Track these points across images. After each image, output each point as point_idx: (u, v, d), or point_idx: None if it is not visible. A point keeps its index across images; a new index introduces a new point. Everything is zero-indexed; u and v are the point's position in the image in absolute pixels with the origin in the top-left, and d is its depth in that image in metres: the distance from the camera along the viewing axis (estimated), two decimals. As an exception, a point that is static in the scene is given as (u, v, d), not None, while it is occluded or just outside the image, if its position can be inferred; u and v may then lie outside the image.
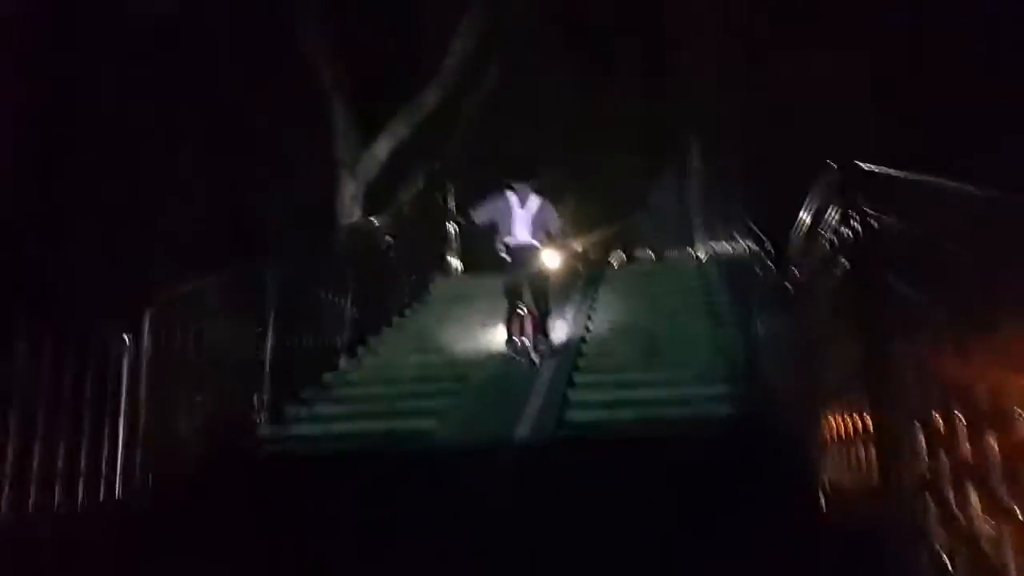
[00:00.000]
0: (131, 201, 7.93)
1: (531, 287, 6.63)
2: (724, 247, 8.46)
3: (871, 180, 2.35)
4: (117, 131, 7.96)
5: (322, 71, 9.68)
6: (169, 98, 8.43)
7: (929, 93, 9.01)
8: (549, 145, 17.13)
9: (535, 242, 6.58)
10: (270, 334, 5.72)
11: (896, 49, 9.88)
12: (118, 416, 4.00)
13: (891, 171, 2.17)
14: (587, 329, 7.42)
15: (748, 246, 6.29)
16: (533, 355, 6.42)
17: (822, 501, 3.36)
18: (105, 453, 3.91)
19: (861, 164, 2.39)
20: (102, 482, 3.88)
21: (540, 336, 6.54)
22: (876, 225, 2.35)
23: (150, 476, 4.16)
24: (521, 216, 6.53)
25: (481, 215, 6.80)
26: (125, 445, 4.02)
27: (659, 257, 15.99)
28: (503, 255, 6.66)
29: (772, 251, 4.90)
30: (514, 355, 6.46)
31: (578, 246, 8.99)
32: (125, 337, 4.05)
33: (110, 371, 4.00)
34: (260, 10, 9.21)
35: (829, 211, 2.77)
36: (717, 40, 13.07)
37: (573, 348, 6.77)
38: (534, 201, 6.60)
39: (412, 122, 10.06)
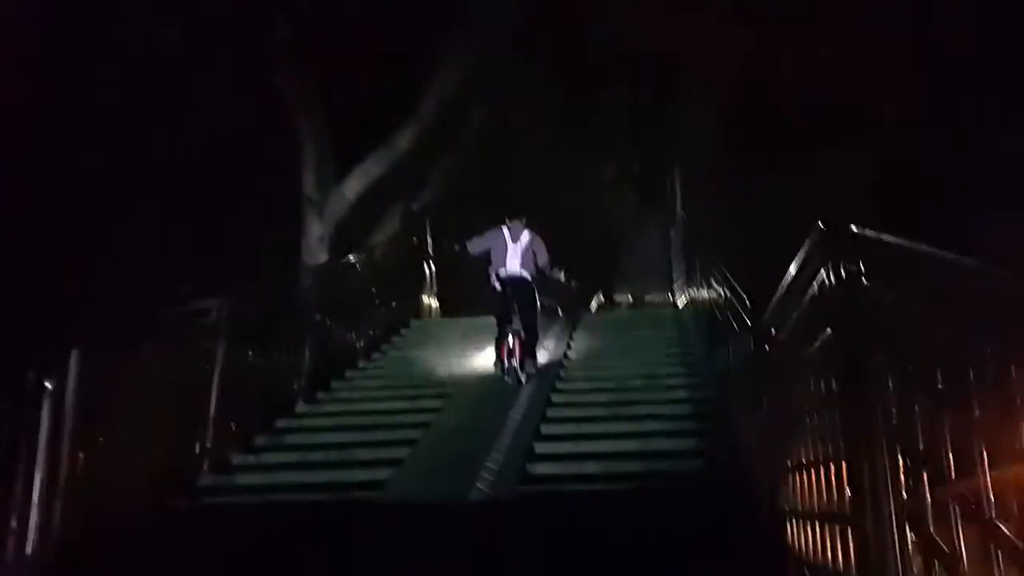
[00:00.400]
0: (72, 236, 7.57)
1: (520, 315, 7.02)
2: (702, 295, 8.25)
3: (857, 242, 2.13)
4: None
5: (293, 106, 9.44)
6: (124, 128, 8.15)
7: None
8: (532, 186, 17.13)
9: (525, 274, 7.06)
10: (216, 377, 5.40)
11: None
12: (33, 467, 3.65)
13: (878, 234, 1.94)
14: (559, 377, 7.14)
15: (726, 297, 6.07)
16: (520, 375, 6.86)
17: (790, 562, 3.12)
18: (17, 507, 3.58)
19: (851, 227, 2.16)
20: (10, 538, 3.53)
21: (527, 359, 6.98)
22: (859, 289, 2.13)
23: (68, 531, 3.81)
24: (513, 249, 7.05)
25: (476, 246, 7.31)
26: (42, 498, 3.68)
27: (638, 301, 15.83)
28: (495, 284, 7.12)
29: (749, 305, 4.67)
30: (503, 375, 6.92)
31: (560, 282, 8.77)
32: (46, 383, 3.70)
33: (28, 418, 3.68)
34: (230, 40, 8.96)
35: (813, 270, 2.53)
36: (705, 95, 13.09)
37: (543, 398, 6.49)
38: (526, 236, 7.14)
39: (385, 161, 9.78)
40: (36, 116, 7.84)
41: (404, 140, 9.87)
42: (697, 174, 13.09)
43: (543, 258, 7.14)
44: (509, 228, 7.11)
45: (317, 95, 9.65)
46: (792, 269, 2.97)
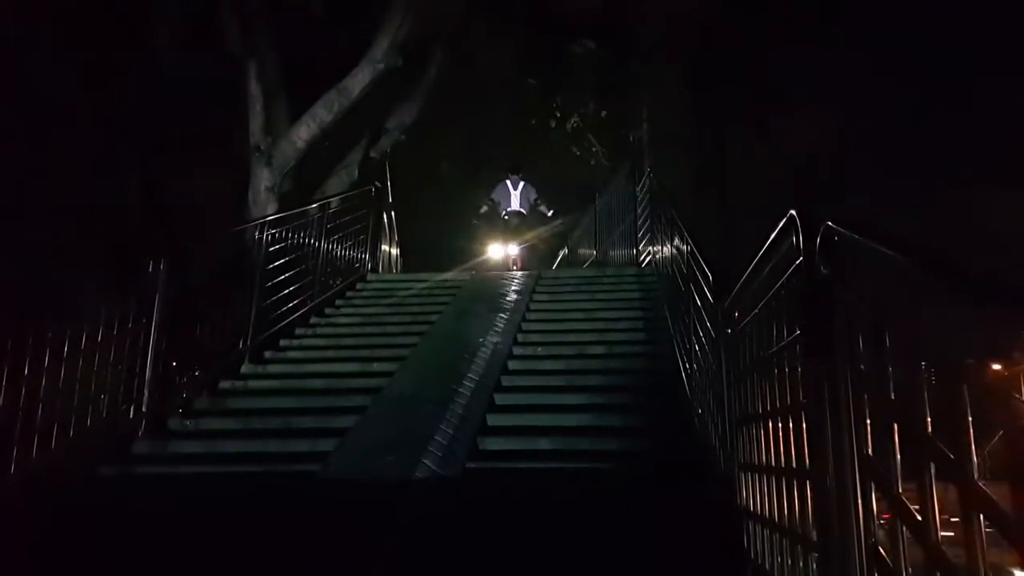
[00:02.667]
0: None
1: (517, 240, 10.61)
2: (665, 254, 8.07)
3: (829, 233, 1.91)
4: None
5: (238, 48, 8.87)
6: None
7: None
8: (498, 136, 16.74)
9: (522, 210, 10.54)
10: (153, 336, 5.10)
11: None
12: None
13: (856, 233, 1.72)
14: (516, 341, 6.94)
15: (687, 262, 5.87)
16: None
17: (745, 545, 3.01)
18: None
19: (828, 223, 1.94)
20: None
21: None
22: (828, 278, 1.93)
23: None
24: (514, 194, 10.54)
25: (496, 194, 10.63)
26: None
27: (602, 257, 15.66)
28: (504, 218, 10.57)
29: (711, 276, 4.47)
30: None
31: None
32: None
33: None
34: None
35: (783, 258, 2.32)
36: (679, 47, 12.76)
37: (500, 362, 6.30)
38: (521, 184, 10.65)
39: (338, 107, 9.27)
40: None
41: (357, 85, 9.36)
42: (664, 127, 12.86)
43: (532, 196, 10.56)
44: (510, 180, 10.51)
45: (264, 36, 9.09)
46: (759, 255, 2.75)
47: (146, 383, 5.06)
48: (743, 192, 11.09)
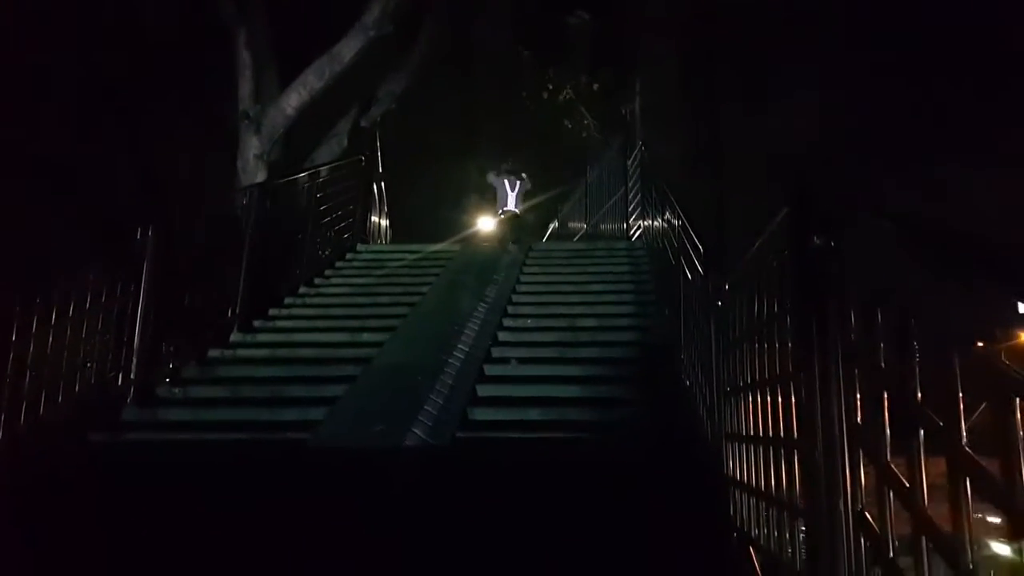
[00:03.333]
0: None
1: (512, 232, 10.41)
2: (656, 227, 8.07)
3: (821, 205, 1.91)
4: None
5: (229, 12, 8.71)
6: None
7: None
8: (490, 108, 16.63)
9: (516, 210, 10.79)
10: (142, 302, 5.07)
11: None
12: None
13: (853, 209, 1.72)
14: (506, 312, 6.95)
15: (678, 235, 5.88)
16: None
17: (732, 513, 3.05)
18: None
19: (820, 194, 1.94)
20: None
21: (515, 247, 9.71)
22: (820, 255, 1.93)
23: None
24: (511, 195, 10.81)
25: (495, 185, 10.98)
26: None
27: (592, 230, 15.65)
28: (500, 215, 10.80)
29: (701, 248, 4.48)
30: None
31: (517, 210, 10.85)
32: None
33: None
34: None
35: (775, 227, 2.32)
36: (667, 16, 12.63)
37: (490, 333, 6.31)
38: (518, 184, 10.88)
39: (328, 74, 9.15)
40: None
41: (348, 52, 9.23)
42: (656, 102, 12.78)
43: (527, 188, 10.99)
44: (508, 180, 10.86)
45: (255, 2, 8.94)
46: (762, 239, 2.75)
47: (134, 351, 5.04)
48: (738, 167, 11.06)
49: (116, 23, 8.21)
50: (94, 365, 4.70)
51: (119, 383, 4.93)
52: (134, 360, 5.02)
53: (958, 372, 1.28)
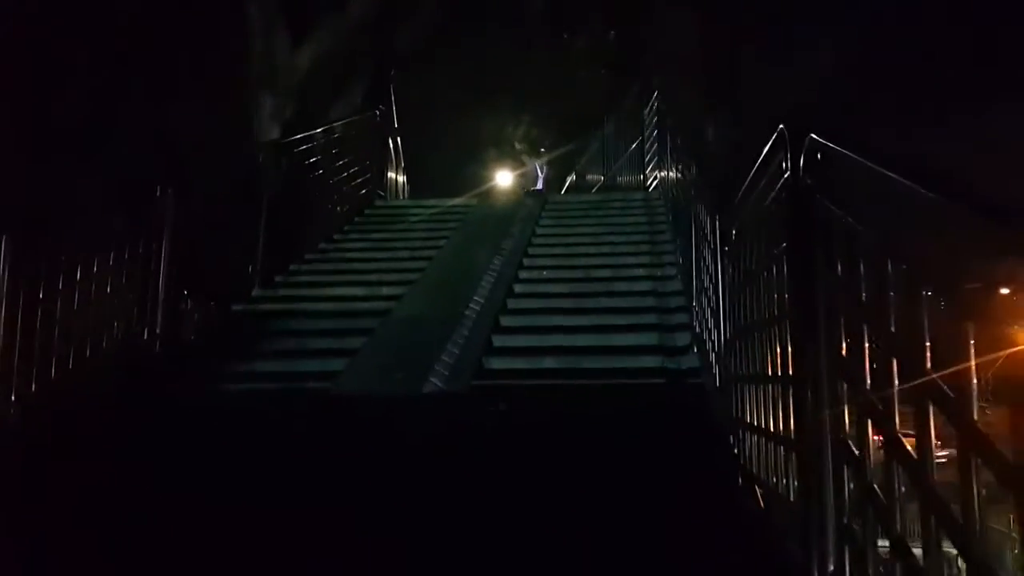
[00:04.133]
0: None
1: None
2: (672, 178, 8.07)
3: (817, 153, 1.97)
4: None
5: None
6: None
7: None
8: (506, 61, 16.48)
9: (542, 189, 12.93)
10: (164, 260, 5.21)
11: None
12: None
13: (843, 150, 1.78)
14: (521, 264, 7.03)
15: (694, 186, 5.90)
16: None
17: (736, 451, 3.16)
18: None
19: (815, 137, 1.99)
20: None
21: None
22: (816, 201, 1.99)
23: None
24: (540, 177, 13.46)
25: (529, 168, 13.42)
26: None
27: (609, 182, 15.60)
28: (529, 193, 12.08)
29: (715, 202, 4.51)
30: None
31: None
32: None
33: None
34: None
35: (772, 175, 2.38)
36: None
37: (505, 284, 6.41)
38: (545, 168, 13.48)
39: (340, 29, 9.12)
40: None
41: (358, 4, 9.18)
42: (673, 48, 12.61)
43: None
44: (538, 165, 13.13)
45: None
46: (753, 171, 2.80)
47: (159, 307, 5.19)
48: (756, 114, 10.92)
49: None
50: (121, 322, 4.86)
51: (145, 337, 5.09)
52: (159, 315, 5.17)
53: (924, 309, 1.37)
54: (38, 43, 7.25)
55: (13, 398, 3.84)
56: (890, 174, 1.60)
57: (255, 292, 6.42)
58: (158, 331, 5.17)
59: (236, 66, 8.88)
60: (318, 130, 8.21)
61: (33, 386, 4.05)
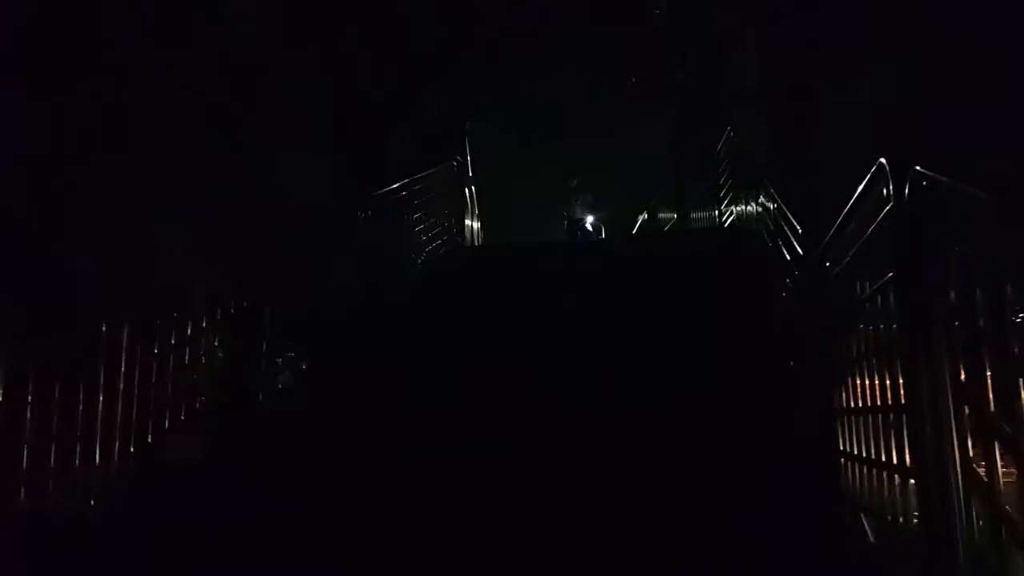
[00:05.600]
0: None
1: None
2: (750, 213, 8.04)
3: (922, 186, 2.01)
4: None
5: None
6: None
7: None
8: (576, 107, 16.74)
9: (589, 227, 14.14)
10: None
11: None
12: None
13: (950, 177, 1.82)
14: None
15: (775, 221, 5.89)
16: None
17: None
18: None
19: (920, 169, 2.03)
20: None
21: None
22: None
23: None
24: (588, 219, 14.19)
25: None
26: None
27: (682, 220, 15.57)
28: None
29: (800, 231, 4.53)
30: None
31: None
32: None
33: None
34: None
35: (873, 207, 2.42)
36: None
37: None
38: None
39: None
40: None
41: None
42: (744, 85, 12.64)
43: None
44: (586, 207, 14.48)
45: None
46: (851, 204, 2.84)
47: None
48: (827, 144, 10.83)
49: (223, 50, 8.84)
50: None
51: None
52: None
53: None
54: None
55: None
56: (1001, 198, 1.64)
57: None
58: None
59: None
60: (400, 183, 8.53)
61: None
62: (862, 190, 2.57)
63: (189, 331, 4.74)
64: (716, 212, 12.04)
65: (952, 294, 1.93)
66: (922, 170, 2.03)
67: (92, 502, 3.75)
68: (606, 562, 3.13)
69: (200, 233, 8.00)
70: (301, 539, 3.47)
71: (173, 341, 4.61)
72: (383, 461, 4.13)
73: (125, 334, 4.13)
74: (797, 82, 11.84)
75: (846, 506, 3.13)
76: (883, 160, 2.28)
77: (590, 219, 15.55)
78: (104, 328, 4.04)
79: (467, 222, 11.63)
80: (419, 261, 8.75)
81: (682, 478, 3.67)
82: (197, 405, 4.78)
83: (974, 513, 1.84)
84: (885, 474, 2.54)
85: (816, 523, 3.21)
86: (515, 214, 16.93)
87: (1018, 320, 1.64)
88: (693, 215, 14.47)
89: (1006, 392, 1.59)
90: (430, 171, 9.54)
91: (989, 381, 1.72)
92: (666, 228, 15.63)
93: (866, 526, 2.86)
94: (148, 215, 7.72)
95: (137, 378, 4.25)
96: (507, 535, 3.30)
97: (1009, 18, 9.24)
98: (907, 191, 2.12)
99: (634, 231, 17.32)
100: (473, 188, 12.17)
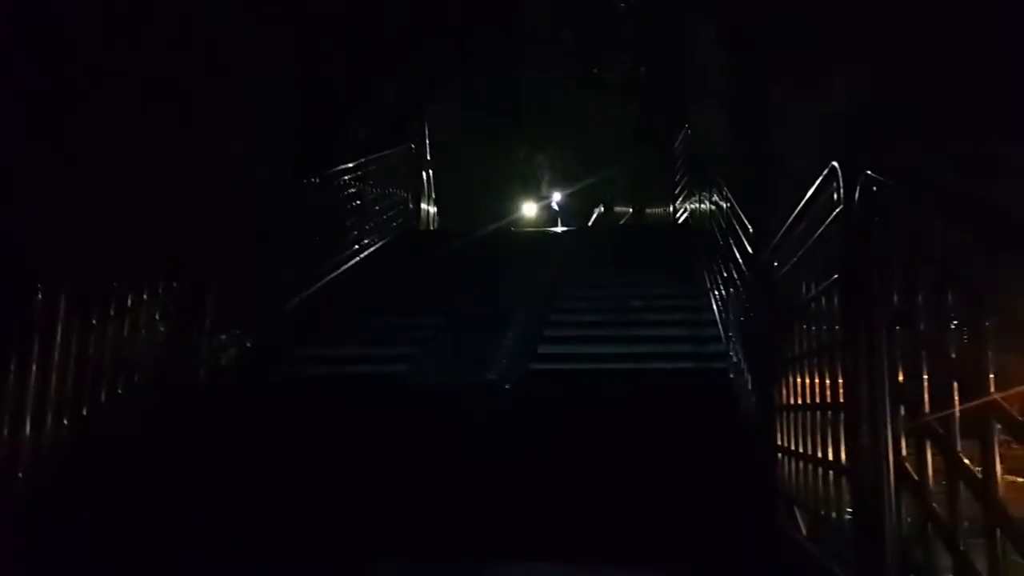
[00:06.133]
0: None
1: None
2: (703, 210, 8.14)
3: (872, 189, 2.05)
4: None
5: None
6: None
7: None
8: (534, 93, 16.73)
9: None
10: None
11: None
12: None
13: (901, 181, 1.86)
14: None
15: (727, 218, 5.97)
16: None
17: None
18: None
19: (870, 173, 2.07)
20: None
21: None
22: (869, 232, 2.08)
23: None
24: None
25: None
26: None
27: (638, 214, 15.72)
28: None
29: (751, 230, 4.60)
30: None
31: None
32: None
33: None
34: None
35: (823, 209, 2.47)
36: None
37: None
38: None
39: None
40: None
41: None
42: (702, 84, 12.77)
43: None
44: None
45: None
46: (801, 205, 2.88)
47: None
48: (784, 146, 11.00)
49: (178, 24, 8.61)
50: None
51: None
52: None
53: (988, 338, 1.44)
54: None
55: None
56: (950, 205, 1.68)
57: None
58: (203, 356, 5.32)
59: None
60: (349, 165, 8.44)
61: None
62: (813, 192, 2.61)
63: (129, 303, 4.62)
64: (671, 208, 12.18)
65: (895, 298, 1.97)
66: (872, 175, 2.07)
67: (21, 474, 3.62)
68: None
69: (144, 205, 7.80)
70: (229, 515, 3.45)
71: (112, 312, 4.48)
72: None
73: (62, 303, 4.00)
74: (756, 82, 12.01)
75: (781, 499, 3.20)
76: (835, 163, 2.31)
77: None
78: (40, 296, 3.91)
79: (423, 206, 11.55)
80: (371, 243, 8.68)
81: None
82: (136, 379, 4.65)
83: (904, 510, 1.89)
84: (821, 470, 2.59)
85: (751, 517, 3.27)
86: (473, 200, 16.88)
87: (955, 325, 1.68)
88: (649, 211, 14.63)
89: (941, 394, 1.64)
90: (385, 152, 9.45)
91: (926, 383, 1.76)
92: (621, 222, 15.76)
93: (800, 520, 2.92)
94: (90, 182, 7.50)
95: (74, 349, 4.12)
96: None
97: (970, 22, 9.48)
98: (857, 195, 2.16)
99: (590, 223, 17.42)
100: (431, 172, 12.10)
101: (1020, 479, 2.33)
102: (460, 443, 3.96)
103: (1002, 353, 1.47)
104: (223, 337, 5.66)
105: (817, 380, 2.66)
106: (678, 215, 11.38)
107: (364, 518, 3.52)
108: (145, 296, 4.73)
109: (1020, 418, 1.31)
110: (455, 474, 3.71)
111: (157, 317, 4.85)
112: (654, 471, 3.69)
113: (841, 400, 2.31)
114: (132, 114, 8.20)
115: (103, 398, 4.32)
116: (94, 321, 4.27)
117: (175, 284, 5.00)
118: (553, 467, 3.69)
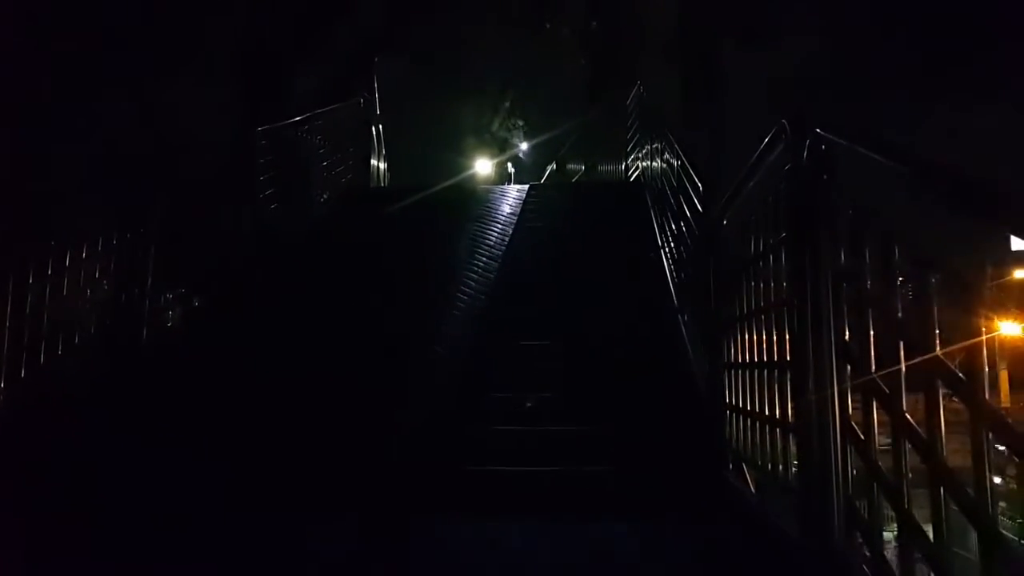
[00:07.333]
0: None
1: None
2: (655, 168, 8.13)
3: (821, 146, 2.04)
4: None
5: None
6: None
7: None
8: (486, 44, 16.46)
9: None
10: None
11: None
12: None
13: (850, 140, 1.84)
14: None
15: (677, 176, 5.96)
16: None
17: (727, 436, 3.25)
18: None
19: (820, 131, 2.05)
20: None
21: None
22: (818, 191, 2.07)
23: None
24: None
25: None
26: None
27: (591, 171, 15.68)
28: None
29: (701, 188, 4.59)
30: None
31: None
32: None
33: None
34: None
35: (773, 165, 2.45)
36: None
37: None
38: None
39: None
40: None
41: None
42: (655, 40, 12.71)
43: None
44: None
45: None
46: (750, 164, 2.87)
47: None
48: (735, 104, 11.05)
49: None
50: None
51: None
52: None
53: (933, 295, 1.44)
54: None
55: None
56: (897, 164, 1.67)
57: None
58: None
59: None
60: (300, 117, 8.19)
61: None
62: (762, 150, 2.59)
63: (67, 261, 4.44)
64: (623, 166, 12.15)
65: (842, 256, 1.98)
66: (822, 132, 2.06)
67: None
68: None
69: (85, 160, 7.51)
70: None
71: (50, 271, 4.31)
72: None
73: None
74: (707, 41, 11.99)
75: (730, 456, 3.24)
76: (784, 121, 2.30)
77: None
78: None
79: (373, 162, 11.33)
80: (320, 199, 8.50)
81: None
82: (76, 340, 4.50)
83: (850, 467, 1.92)
84: (768, 427, 2.62)
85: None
86: (424, 158, 16.66)
87: (900, 283, 1.69)
88: (601, 167, 14.57)
89: (887, 352, 1.65)
90: (333, 106, 9.20)
91: (872, 341, 1.77)
92: (574, 180, 15.71)
93: (748, 477, 2.97)
94: (29, 136, 7.19)
95: (9, 308, 3.96)
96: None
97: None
98: (806, 153, 2.14)
99: (542, 181, 17.35)
100: (380, 127, 11.85)
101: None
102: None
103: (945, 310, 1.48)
104: (169, 296, 5.52)
105: (764, 338, 2.68)
106: (630, 173, 11.36)
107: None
108: (84, 253, 4.55)
109: (962, 375, 1.32)
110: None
111: (97, 275, 4.69)
112: (609, 429, 3.72)
113: (788, 358, 2.33)
114: (70, 67, 7.86)
115: (42, 360, 4.18)
116: (29, 279, 4.10)
117: (114, 240, 4.82)
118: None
